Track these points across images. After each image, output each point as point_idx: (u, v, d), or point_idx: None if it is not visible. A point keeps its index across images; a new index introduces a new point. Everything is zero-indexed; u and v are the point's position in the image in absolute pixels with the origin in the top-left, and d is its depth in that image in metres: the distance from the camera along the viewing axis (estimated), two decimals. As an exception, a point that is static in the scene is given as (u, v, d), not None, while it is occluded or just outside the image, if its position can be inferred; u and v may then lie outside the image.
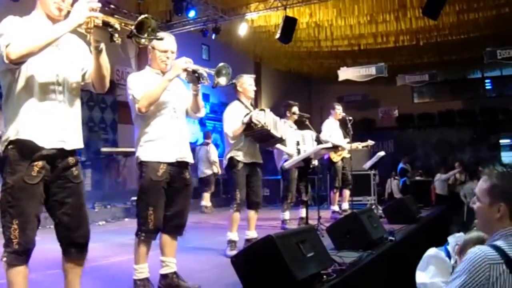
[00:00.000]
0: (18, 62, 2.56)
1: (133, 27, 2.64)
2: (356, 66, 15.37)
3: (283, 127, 5.73)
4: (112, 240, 6.36)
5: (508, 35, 13.18)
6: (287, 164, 6.39)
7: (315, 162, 6.63)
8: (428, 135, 19.88)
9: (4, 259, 2.64)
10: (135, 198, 9.42)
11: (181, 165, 3.70)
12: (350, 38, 14.59)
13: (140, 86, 3.60)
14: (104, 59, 2.81)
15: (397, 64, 16.33)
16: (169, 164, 3.61)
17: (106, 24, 2.59)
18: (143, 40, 2.70)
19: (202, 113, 3.94)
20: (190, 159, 3.78)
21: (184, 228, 3.81)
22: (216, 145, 17.05)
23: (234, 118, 5.28)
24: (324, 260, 3.94)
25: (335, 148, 7.38)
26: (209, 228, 8.00)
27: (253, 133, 5.23)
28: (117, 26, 2.61)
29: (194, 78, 3.66)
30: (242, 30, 13.05)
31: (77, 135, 2.86)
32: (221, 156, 16.83)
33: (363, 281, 4.39)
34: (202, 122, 16.30)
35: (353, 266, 4.29)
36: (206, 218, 8.88)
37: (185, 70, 3.60)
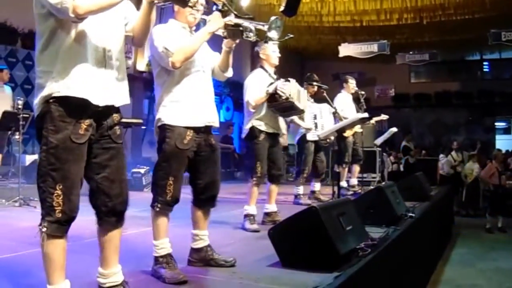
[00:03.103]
0: (83, 18, 2.33)
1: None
2: (356, 43, 15.18)
3: (305, 98, 5.50)
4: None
5: (513, 17, 13.06)
6: (322, 134, 6.18)
7: (332, 137, 6.45)
8: (424, 115, 19.87)
9: (44, 229, 2.34)
10: (135, 170, 9.14)
11: (207, 130, 3.39)
12: (353, 14, 14.37)
13: (171, 38, 3.24)
14: (154, 15, 2.62)
15: (397, 43, 16.16)
16: (196, 130, 3.29)
17: None
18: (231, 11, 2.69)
19: (230, 72, 3.61)
20: (217, 122, 3.46)
21: (217, 198, 3.51)
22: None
23: (257, 86, 5.02)
24: (361, 234, 3.80)
25: (369, 119, 7.20)
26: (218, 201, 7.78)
27: (276, 104, 5.00)
28: None
29: (237, 32, 3.32)
30: (245, 1, 12.71)
31: (124, 90, 2.62)
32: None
33: (393, 256, 4.28)
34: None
35: (384, 241, 4.15)
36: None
37: (227, 23, 3.26)
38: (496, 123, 19.46)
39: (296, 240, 3.33)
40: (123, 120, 8.69)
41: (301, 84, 7.09)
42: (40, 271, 2.46)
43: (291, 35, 4.76)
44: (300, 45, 19.03)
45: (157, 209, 3.25)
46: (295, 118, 6.54)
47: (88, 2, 2.28)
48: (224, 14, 3.03)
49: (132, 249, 3.96)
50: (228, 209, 6.05)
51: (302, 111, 5.44)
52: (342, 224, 3.45)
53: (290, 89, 4.97)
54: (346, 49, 14.84)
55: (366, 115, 6.71)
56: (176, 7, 3.37)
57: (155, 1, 2.53)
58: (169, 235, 3.33)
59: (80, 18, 2.31)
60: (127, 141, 12.29)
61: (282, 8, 11.57)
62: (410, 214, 5.44)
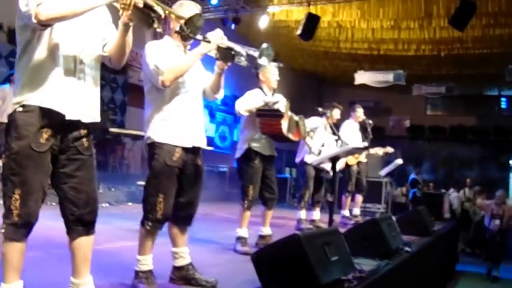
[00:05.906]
0: (46, 24, 2.37)
1: (182, 22, 2.66)
2: (373, 71, 15.16)
3: (301, 127, 5.41)
4: (115, 224, 6.15)
5: (532, 54, 12.95)
6: (315, 161, 6.11)
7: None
8: (438, 148, 19.68)
9: (3, 230, 2.41)
10: (141, 182, 9.12)
11: (195, 151, 3.40)
12: (370, 42, 14.38)
13: (163, 56, 3.24)
14: (130, 37, 2.62)
15: (414, 74, 16.10)
16: (184, 149, 3.30)
17: (148, 7, 2.45)
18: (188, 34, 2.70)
19: (221, 94, 3.60)
20: (204, 144, 3.48)
21: (193, 218, 3.53)
22: (224, 138, 16.89)
23: (251, 97, 5.00)
24: (347, 265, 3.71)
25: (366, 149, 7.13)
26: (216, 220, 7.75)
27: (266, 112, 4.88)
28: (160, 12, 2.49)
29: (228, 55, 3.32)
30: (263, 22, 12.76)
31: (95, 109, 2.65)
32: (227, 149, 16.82)
33: (382, 291, 4.16)
34: (212, 114, 16.08)
35: (373, 275, 4.05)
36: (212, 210, 8.62)
37: (219, 46, 3.26)
38: (510, 161, 19.18)
39: (278, 266, 3.27)
40: (133, 132, 8.68)
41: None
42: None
43: (259, 70, 4.80)
44: (317, 70, 19.09)
45: (148, 227, 3.26)
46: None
47: (50, 10, 2.31)
48: (184, 36, 3.04)
49: (120, 262, 4.02)
50: (223, 229, 6.01)
51: (289, 139, 5.26)
52: (327, 253, 3.37)
53: (283, 104, 4.90)
54: (361, 77, 14.82)
55: (359, 145, 6.62)
56: (172, 25, 3.35)
57: (130, 23, 2.52)
58: (154, 251, 3.33)
59: (43, 24, 2.35)
60: (137, 153, 12.35)
61: (299, 32, 11.63)
62: (406, 249, 5.31)
